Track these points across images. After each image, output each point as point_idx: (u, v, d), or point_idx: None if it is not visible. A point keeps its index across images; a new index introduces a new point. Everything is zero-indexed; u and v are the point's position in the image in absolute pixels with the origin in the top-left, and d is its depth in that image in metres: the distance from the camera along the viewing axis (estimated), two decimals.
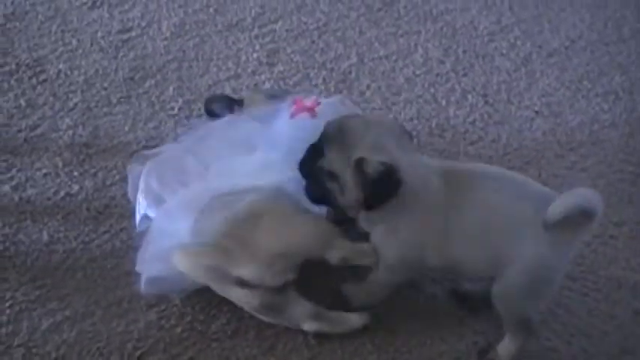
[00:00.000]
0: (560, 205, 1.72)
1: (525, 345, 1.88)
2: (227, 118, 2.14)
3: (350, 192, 1.80)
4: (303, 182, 1.88)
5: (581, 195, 1.74)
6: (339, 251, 1.88)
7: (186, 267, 1.86)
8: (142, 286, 1.90)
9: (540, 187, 1.86)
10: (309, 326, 1.90)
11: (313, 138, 1.85)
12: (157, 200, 1.94)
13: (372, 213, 1.83)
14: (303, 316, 1.89)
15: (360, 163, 1.76)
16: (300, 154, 1.86)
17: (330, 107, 2.05)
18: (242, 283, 1.83)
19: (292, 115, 2.02)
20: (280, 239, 1.84)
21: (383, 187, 1.77)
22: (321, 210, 1.95)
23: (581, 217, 1.72)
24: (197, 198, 1.89)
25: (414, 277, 2.00)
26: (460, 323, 1.99)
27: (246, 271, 1.82)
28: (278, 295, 1.86)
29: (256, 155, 1.97)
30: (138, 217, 1.99)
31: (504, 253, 1.78)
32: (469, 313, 2.01)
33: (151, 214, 1.95)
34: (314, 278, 1.92)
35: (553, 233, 1.73)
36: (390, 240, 1.86)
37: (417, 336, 1.96)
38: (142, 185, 1.98)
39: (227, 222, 1.84)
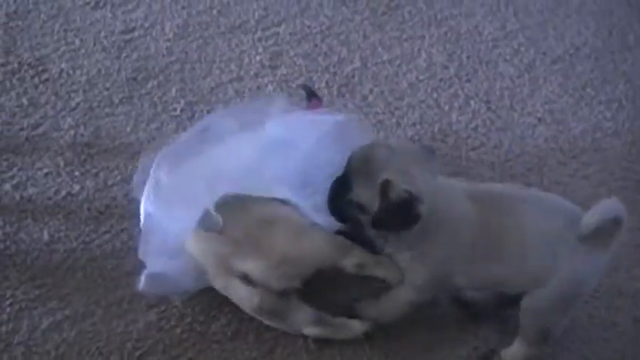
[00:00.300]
0: (593, 215, 1.77)
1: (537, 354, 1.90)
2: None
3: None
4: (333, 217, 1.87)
5: (608, 204, 1.80)
6: (355, 258, 1.88)
7: (197, 250, 1.84)
8: (142, 284, 1.87)
9: (569, 204, 1.88)
10: (309, 331, 1.89)
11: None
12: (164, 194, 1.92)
13: (398, 240, 1.82)
14: (305, 321, 1.88)
15: (385, 185, 1.75)
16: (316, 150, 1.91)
17: (348, 126, 2.04)
18: (246, 279, 1.82)
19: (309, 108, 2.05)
20: (294, 245, 1.83)
21: (400, 215, 1.75)
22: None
23: (611, 225, 1.78)
24: (194, 183, 1.88)
25: (438, 296, 1.98)
26: (461, 329, 1.99)
27: (253, 267, 1.81)
28: (279, 300, 1.85)
29: (263, 134, 1.96)
30: (143, 214, 1.96)
31: (541, 270, 1.81)
32: (471, 319, 2.00)
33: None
34: (325, 290, 1.94)
35: (587, 247, 1.78)
36: (417, 264, 1.85)
37: (418, 341, 1.96)
38: (150, 180, 1.96)
39: (241, 220, 1.83)
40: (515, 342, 1.92)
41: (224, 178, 1.88)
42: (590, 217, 1.77)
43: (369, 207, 1.78)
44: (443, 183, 1.86)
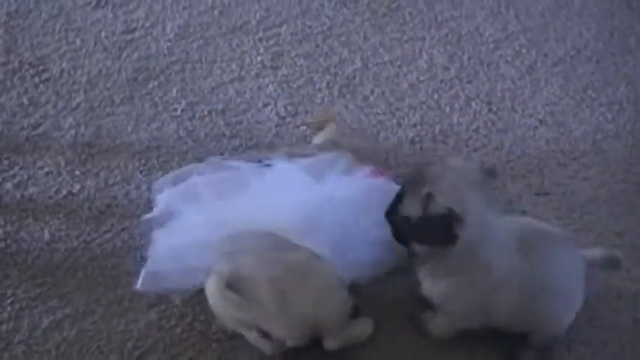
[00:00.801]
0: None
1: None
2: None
3: None
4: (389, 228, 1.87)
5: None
6: (337, 341, 1.86)
7: (217, 304, 1.82)
8: (140, 283, 1.87)
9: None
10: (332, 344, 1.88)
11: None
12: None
13: (435, 266, 1.83)
14: None
15: (427, 198, 1.75)
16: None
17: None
18: (264, 333, 1.81)
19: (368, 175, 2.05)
20: (316, 309, 1.80)
21: (436, 230, 1.75)
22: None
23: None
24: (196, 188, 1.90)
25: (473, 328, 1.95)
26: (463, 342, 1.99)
27: (273, 328, 1.79)
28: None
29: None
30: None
31: (564, 309, 1.91)
32: None
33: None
34: None
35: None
36: (460, 291, 1.85)
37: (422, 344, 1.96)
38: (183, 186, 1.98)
39: (277, 266, 1.81)
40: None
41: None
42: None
43: (412, 218, 1.79)
44: (492, 214, 1.84)
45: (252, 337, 1.82)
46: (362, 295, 1.98)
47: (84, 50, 2.67)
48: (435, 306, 1.90)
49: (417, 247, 1.82)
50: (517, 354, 1.95)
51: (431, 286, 1.87)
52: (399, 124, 2.52)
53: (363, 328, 1.90)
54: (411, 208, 1.78)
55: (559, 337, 1.95)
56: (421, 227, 1.77)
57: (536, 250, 1.85)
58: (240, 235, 1.86)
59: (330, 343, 1.85)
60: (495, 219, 1.85)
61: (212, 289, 1.79)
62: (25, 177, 2.24)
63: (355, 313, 1.90)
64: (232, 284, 1.78)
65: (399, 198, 1.83)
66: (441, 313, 1.92)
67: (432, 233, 1.76)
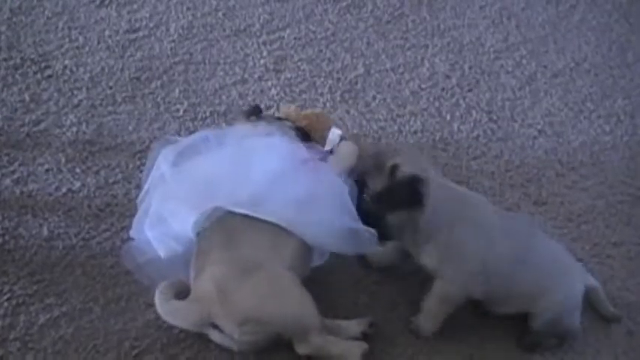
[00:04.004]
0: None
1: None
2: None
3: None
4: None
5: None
6: (307, 347, 1.85)
7: (166, 316, 1.86)
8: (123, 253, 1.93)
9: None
10: (302, 350, 1.88)
11: None
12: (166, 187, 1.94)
13: (415, 235, 1.87)
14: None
15: (393, 168, 1.84)
16: None
17: None
18: (219, 329, 1.83)
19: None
20: (257, 306, 1.80)
21: (404, 192, 1.83)
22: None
23: None
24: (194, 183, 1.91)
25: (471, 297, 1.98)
26: (453, 338, 2.00)
27: (221, 324, 1.81)
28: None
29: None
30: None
31: (555, 290, 1.97)
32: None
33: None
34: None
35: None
36: (452, 258, 1.89)
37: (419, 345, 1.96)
38: (155, 171, 1.97)
39: (223, 266, 1.83)
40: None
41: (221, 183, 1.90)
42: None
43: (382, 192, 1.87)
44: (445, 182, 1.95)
45: (213, 335, 1.84)
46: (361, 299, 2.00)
47: (87, 48, 2.67)
48: (434, 273, 1.92)
49: (391, 218, 1.87)
50: (531, 338, 2.00)
51: (421, 254, 1.91)
52: (400, 131, 2.53)
53: (347, 351, 1.87)
54: (378, 185, 1.86)
55: (563, 324, 1.98)
56: (390, 193, 1.85)
57: (518, 229, 1.96)
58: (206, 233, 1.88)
59: (300, 348, 1.85)
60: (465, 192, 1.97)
61: (158, 305, 1.85)
62: (25, 173, 2.24)
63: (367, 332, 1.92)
64: (179, 291, 1.85)
65: (362, 187, 1.90)
66: (423, 312, 1.95)
67: (401, 196, 1.84)
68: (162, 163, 1.95)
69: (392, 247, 2.05)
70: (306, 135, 2.19)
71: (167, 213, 1.90)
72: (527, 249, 1.91)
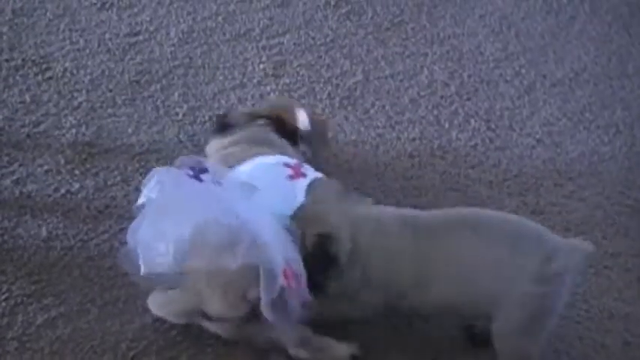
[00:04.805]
0: (563, 261, 1.82)
1: None
2: None
3: None
4: None
5: (573, 260, 1.85)
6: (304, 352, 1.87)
7: (160, 312, 1.89)
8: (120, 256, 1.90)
9: (528, 226, 1.90)
10: (295, 352, 1.88)
11: None
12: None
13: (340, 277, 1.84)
14: (289, 342, 1.88)
15: (302, 238, 1.81)
16: None
17: None
18: (208, 317, 1.84)
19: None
20: (240, 278, 1.79)
21: (320, 259, 1.81)
22: None
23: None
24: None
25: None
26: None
27: (209, 307, 1.82)
28: (248, 326, 1.85)
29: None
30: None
31: (485, 294, 1.83)
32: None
33: None
34: None
35: (546, 270, 1.81)
36: (366, 290, 1.87)
37: None
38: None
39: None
40: None
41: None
42: (559, 266, 1.82)
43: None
44: (368, 212, 1.92)
45: (205, 324, 1.85)
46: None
47: (87, 50, 2.67)
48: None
49: (332, 286, 1.85)
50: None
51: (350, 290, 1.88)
52: (399, 138, 2.54)
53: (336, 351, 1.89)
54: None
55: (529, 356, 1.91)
56: (310, 266, 1.80)
57: (424, 236, 1.86)
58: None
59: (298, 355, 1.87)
60: (373, 215, 1.91)
61: (152, 297, 1.89)
62: (25, 174, 2.24)
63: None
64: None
65: None
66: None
67: (319, 265, 1.81)
68: (154, 188, 1.93)
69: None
70: (282, 122, 2.19)
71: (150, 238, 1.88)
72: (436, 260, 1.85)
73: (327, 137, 2.39)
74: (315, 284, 1.82)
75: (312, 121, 2.26)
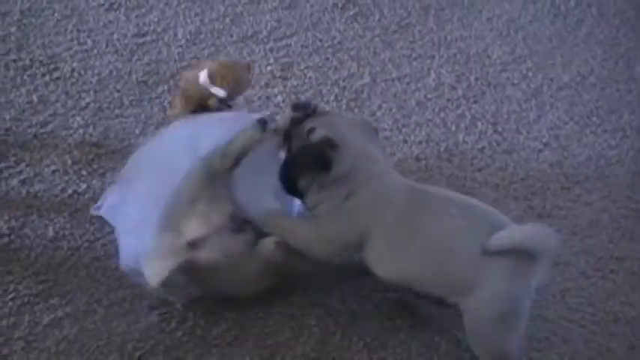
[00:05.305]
0: (502, 238, 1.77)
1: None
2: None
3: None
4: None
5: (526, 234, 1.81)
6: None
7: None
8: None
9: (503, 219, 1.87)
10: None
11: None
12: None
13: (322, 190, 1.87)
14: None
15: (309, 132, 1.87)
16: None
17: None
18: (194, 245, 1.88)
19: None
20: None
21: (312, 155, 1.85)
22: None
23: (524, 254, 1.78)
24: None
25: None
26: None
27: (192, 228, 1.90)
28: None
29: None
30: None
31: (458, 278, 1.81)
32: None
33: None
34: None
35: (511, 262, 1.77)
36: (333, 217, 1.88)
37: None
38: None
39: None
40: None
41: None
42: (498, 239, 1.77)
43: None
44: (382, 161, 1.93)
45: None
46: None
47: (95, 51, 2.68)
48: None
49: (303, 183, 1.89)
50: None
51: (319, 210, 1.91)
52: (405, 141, 2.54)
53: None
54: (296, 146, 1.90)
55: (505, 354, 1.88)
56: (300, 155, 1.87)
57: (416, 203, 1.86)
58: None
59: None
60: (384, 165, 1.93)
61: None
62: (32, 174, 2.25)
63: None
64: None
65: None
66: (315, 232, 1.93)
67: (308, 159, 1.85)
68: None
69: None
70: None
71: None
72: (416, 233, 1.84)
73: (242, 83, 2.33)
74: (293, 181, 1.89)
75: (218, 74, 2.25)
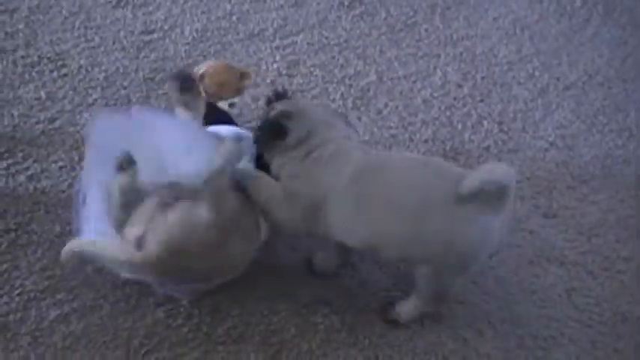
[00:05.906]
0: (474, 178, 1.76)
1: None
2: None
3: None
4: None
5: (493, 170, 1.80)
6: None
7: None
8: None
9: (458, 169, 1.87)
10: None
11: None
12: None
13: (282, 157, 1.93)
14: None
15: (271, 109, 1.98)
16: None
17: None
18: (140, 242, 1.85)
19: None
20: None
21: (269, 125, 1.95)
22: None
23: (494, 191, 1.75)
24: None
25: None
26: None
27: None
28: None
29: None
30: None
31: (418, 232, 1.79)
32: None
33: None
34: None
35: (468, 208, 1.75)
36: (295, 181, 1.91)
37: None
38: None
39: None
40: (411, 298, 1.96)
41: None
42: (470, 180, 1.75)
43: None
44: (342, 130, 1.97)
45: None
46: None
47: (102, 48, 2.68)
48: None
49: (267, 155, 1.97)
50: (401, 306, 1.98)
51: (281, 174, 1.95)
52: (411, 139, 2.54)
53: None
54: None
55: (446, 293, 1.95)
56: (259, 130, 1.98)
57: (375, 170, 1.85)
58: None
59: None
60: (343, 133, 1.96)
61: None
62: (39, 170, 2.25)
63: None
64: None
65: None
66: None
67: (265, 130, 1.95)
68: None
69: (334, 252, 2.06)
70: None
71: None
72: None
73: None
74: (259, 156, 2.00)
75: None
